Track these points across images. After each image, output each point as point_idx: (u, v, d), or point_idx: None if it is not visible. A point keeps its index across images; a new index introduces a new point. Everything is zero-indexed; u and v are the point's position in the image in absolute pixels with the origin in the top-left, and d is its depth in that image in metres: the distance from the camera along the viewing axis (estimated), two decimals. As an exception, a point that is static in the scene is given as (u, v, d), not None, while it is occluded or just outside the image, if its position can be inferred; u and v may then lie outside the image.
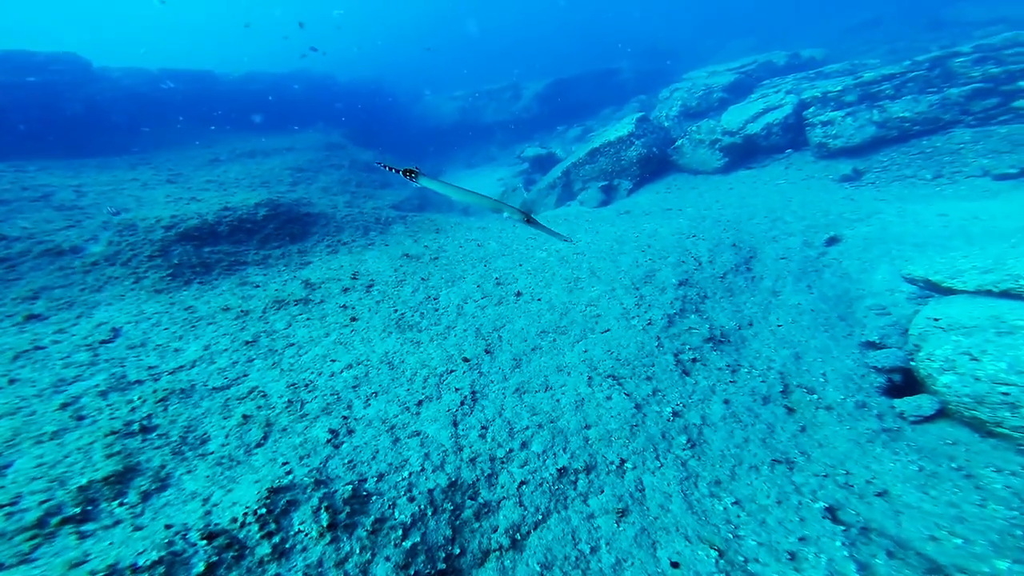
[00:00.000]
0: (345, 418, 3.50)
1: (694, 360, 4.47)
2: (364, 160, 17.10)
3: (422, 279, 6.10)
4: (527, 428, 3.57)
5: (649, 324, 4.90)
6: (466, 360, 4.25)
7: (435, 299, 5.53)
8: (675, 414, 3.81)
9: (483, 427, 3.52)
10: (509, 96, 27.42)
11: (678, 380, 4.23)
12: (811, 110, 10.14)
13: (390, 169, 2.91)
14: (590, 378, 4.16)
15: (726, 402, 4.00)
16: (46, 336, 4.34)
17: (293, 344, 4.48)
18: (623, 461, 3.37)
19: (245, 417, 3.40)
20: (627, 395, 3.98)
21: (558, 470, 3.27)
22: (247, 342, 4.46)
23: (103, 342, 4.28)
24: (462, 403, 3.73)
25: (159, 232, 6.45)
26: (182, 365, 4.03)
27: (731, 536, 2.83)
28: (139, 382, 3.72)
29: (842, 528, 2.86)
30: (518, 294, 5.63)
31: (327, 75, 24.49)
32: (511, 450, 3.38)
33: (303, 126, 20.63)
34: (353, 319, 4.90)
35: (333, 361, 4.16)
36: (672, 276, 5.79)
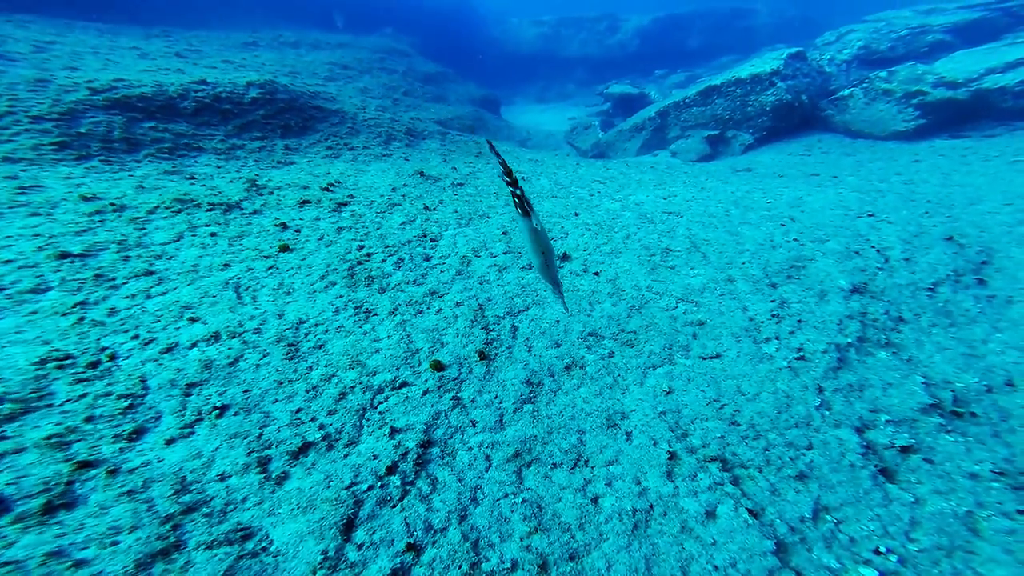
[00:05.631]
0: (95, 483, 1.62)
1: (905, 449, 2.17)
2: (424, 71, 14.82)
3: (426, 207, 4.04)
4: (512, 568, 1.54)
5: (800, 358, 2.58)
6: (439, 367, 2.22)
7: (433, 241, 3.48)
8: (875, 601, 1.62)
9: (413, 546, 1.52)
10: (604, 28, 23.47)
11: (871, 488, 1.99)
12: None
13: None
14: (672, 455, 2.02)
15: (1008, 553, 1.73)
16: None
17: (153, 273, 2.60)
18: None
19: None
20: (753, 513, 1.82)
21: None
22: (65, 255, 2.61)
23: None
24: (391, 469, 1.73)
25: (79, 94, 4.75)
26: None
27: None
28: None
29: None
30: (563, 258, 3.45)
31: (411, -23, 21.76)
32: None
33: (371, 28, 18.51)
34: (284, 248, 2.96)
35: (194, 321, 2.26)
36: (838, 274, 3.31)
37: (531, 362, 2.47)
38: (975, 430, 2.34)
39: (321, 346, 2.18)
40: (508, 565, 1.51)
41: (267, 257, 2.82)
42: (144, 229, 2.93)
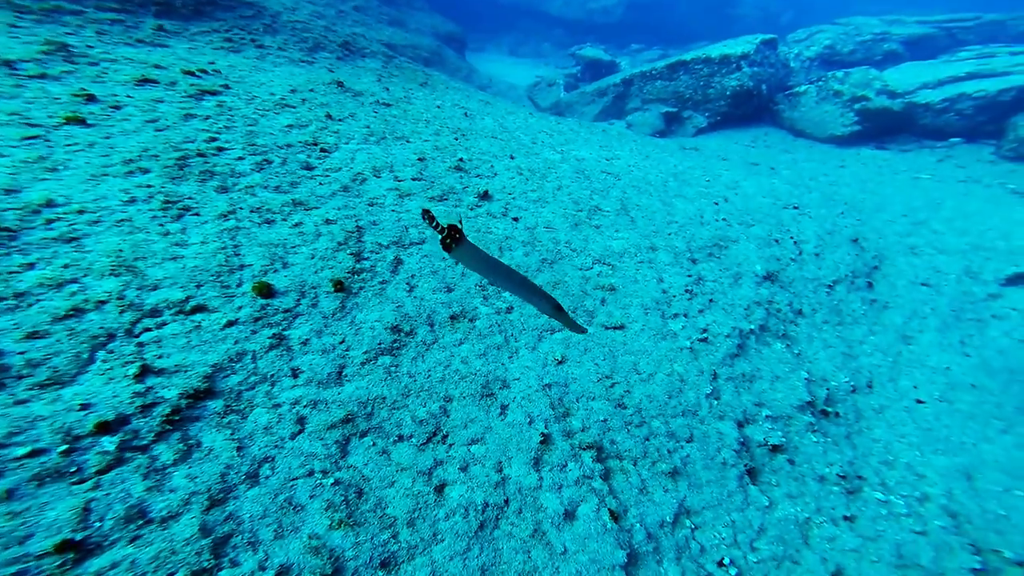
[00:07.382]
0: None
1: (775, 448, 2.03)
2: (385, -12, 13.03)
3: (328, 116, 3.31)
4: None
5: (704, 340, 2.35)
6: (266, 293, 1.67)
7: (325, 151, 2.81)
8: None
9: (72, 546, 1.03)
10: (593, -12, 22.26)
11: (735, 491, 1.82)
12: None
13: None
14: (546, 439, 1.68)
15: (823, 563, 1.62)
16: None
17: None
18: None
19: None
20: (614, 516, 1.54)
21: None
22: None
23: None
24: (105, 427, 1.21)
25: None
26: None
27: None
28: None
29: None
30: (483, 196, 2.95)
31: None
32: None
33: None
34: (75, 120, 2.16)
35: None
36: (756, 259, 3.15)
37: (408, 305, 2.00)
38: (834, 431, 2.29)
39: (74, 239, 1.52)
40: None
41: (34, 126, 2.01)
42: None
